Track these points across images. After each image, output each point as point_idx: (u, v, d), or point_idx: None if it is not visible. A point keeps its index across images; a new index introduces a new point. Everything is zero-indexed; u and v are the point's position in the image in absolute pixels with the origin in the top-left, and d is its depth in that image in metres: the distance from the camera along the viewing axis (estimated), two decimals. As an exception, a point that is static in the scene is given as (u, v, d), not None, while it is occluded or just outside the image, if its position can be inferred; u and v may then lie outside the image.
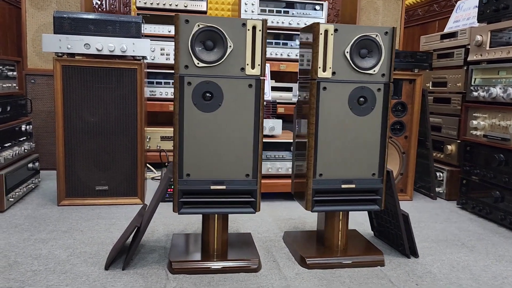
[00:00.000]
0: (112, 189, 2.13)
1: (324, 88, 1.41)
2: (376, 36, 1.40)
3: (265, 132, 2.26)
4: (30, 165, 2.30)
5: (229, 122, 1.38)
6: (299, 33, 2.80)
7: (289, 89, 3.06)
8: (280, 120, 2.31)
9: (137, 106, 2.08)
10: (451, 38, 2.44)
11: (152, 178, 2.72)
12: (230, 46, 1.34)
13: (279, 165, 2.24)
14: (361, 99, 1.44)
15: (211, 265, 1.40)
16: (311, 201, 1.45)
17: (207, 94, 1.35)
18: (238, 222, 1.93)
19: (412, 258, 1.56)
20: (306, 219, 2.01)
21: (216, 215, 1.45)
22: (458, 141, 2.38)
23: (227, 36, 1.33)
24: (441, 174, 2.44)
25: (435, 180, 2.45)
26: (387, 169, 1.51)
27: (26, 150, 2.25)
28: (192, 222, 1.90)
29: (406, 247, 1.56)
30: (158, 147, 2.93)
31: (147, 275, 1.36)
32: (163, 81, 2.91)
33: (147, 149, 2.79)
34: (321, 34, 1.38)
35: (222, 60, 1.34)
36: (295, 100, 3.02)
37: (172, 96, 2.80)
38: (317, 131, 1.43)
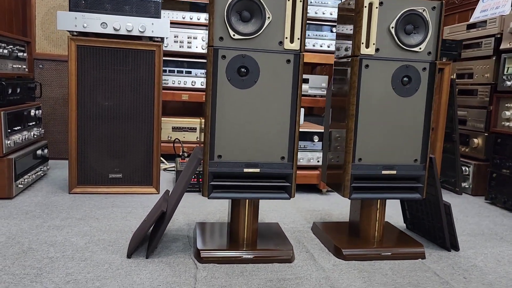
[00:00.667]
0: (126, 177, 2.02)
1: (367, 66, 1.31)
2: (423, 11, 1.30)
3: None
4: (39, 151, 2.19)
5: (265, 100, 1.27)
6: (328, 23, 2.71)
7: (305, 81, 2.97)
8: (302, 109, 2.21)
9: (154, 90, 1.97)
10: (479, 28, 2.35)
11: (164, 169, 2.62)
12: (269, 18, 1.24)
13: (300, 156, 2.14)
14: (405, 78, 1.34)
15: (242, 255, 1.30)
16: (349, 187, 1.35)
17: (242, 69, 1.25)
18: (261, 213, 1.83)
19: (453, 252, 1.47)
20: (332, 211, 1.91)
21: (246, 201, 1.35)
22: (486, 134, 2.29)
23: (265, 6, 1.23)
24: (467, 169, 2.35)
25: (461, 174, 2.36)
26: (430, 155, 1.41)
27: (35, 136, 2.14)
28: (213, 212, 1.80)
29: (447, 239, 1.46)
30: (169, 138, 2.82)
31: (174, 264, 1.26)
32: (176, 69, 2.81)
33: (159, 139, 2.68)
34: (365, 7, 1.28)
35: (260, 32, 1.24)
36: (311, 92, 2.93)
37: (185, 86, 2.70)
38: (358, 112, 1.33)
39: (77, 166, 1.96)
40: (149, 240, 1.38)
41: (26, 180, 1.97)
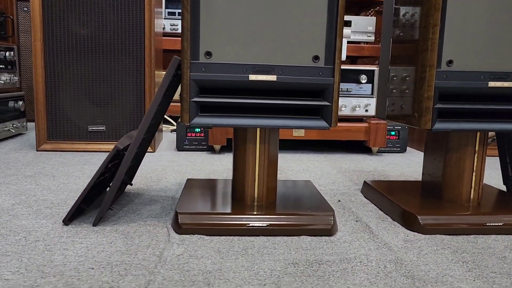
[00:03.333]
0: (111, 131, 1.54)
1: None
2: None
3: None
4: (11, 103, 1.75)
5: (285, -45, 0.74)
6: None
7: (347, 24, 2.39)
8: (345, 41, 1.65)
9: (144, 12, 1.47)
10: None
11: (172, 131, 2.13)
12: None
13: (342, 102, 1.59)
14: None
15: (248, 222, 0.77)
16: (431, 111, 0.79)
17: None
18: (286, 172, 1.29)
19: None
20: (388, 171, 1.35)
21: (257, 134, 0.82)
22: None
23: None
24: None
25: None
26: None
27: (3, 82, 1.70)
28: (220, 171, 1.29)
29: None
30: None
31: (134, 235, 0.75)
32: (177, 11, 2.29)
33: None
34: None
35: None
36: (354, 37, 2.35)
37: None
38: (448, -22, 0.76)
39: (46, 116, 1.50)
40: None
41: (-16, 133, 1.53)
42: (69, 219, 0.79)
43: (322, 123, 0.78)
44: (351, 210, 0.93)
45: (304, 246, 0.72)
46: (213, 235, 0.76)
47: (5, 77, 1.72)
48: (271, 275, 0.62)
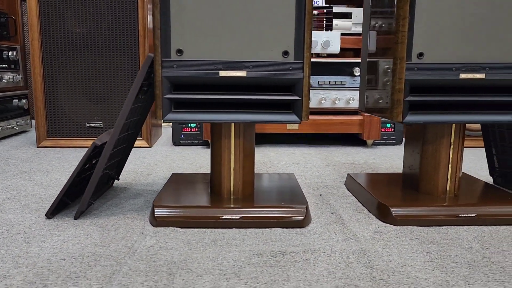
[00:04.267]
0: (109, 127, 1.57)
1: None
2: None
3: (317, 50, 1.61)
4: (15, 101, 1.80)
5: (252, -47, 0.75)
6: None
7: (347, 16, 2.37)
8: (338, 33, 1.65)
9: (137, 10, 1.50)
10: None
11: (173, 126, 2.16)
12: None
13: (336, 95, 1.59)
14: None
15: (222, 214, 0.79)
16: (401, 103, 0.80)
17: None
18: (275, 166, 1.31)
19: None
20: (378, 164, 1.35)
21: (232, 129, 0.84)
22: None
23: None
24: None
25: None
26: (545, 48, 0.83)
27: (5, 81, 1.75)
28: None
29: None
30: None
31: (112, 228, 0.78)
32: None
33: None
34: None
35: None
36: (355, 29, 2.34)
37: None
38: (416, -30, 0.77)
39: (45, 113, 1.54)
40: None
41: (-13, 131, 1.58)
42: (51, 213, 0.83)
43: (293, 117, 0.79)
44: (330, 203, 0.95)
45: (274, 238, 0.74)
46: (186, 227, 0.78)
47: (8, 76, 1.77)
48: (234, 265, 0.64)
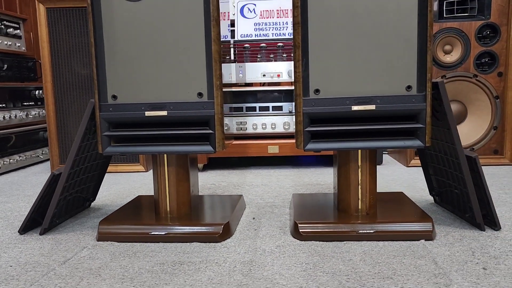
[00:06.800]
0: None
1: None
2: None
3: (267, 79, 1.73)
4: (41, 133, 2.08)
5: (168, 14, 0.91)
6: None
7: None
8: (287, 63, 1.76)
9: (131, 52, 1.71)
10: None
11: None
12: None
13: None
14: (378, -41, 0.87)
15: (150, 231, 0.94)
16: (302, 133, 0.92)
17: (131, -27, 0.91)
18: (242, 187, 1.44)
19: (489, 231, 0.93)
20: (341, 184, 1.44)
21: (165, 159, 1.00)
22: None
23: None
24: (559, 127, 1.67)
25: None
26: (435, 80, 0.91)
27: (30, 116, 2.02)
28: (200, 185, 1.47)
29: (476, 211, 0.93)
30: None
31: (64, 241, 0.96)
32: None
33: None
34: None
35: None
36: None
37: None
38: (306, 18, 0.89)
39: (58, 143, 1.78)
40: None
41: (12, 159, 1.85)
42: (23, 230, 1.02)
43: (208, 148, 0.94)
44: (260, 221, 1.07)
45: (187, 251, 0.88)
46: (123, 241, 0.94)
47: (34, 111, 2.05)
48: (136, 272, 0.78)
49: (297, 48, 0.90)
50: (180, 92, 0.93)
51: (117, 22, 0.92)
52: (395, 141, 0.91)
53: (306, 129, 0.91)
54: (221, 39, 0.93)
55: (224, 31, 1.59)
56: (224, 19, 1.96)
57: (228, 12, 1.88)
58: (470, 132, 1.71)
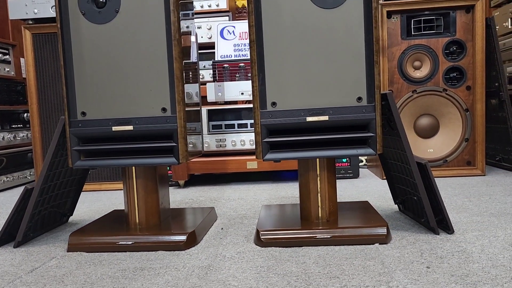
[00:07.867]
0: (95, 172, 1.83)
1: (265, -29, 0.94)
2: None
3: (245, 97, 1.78)
4: (30, 155, 2.13)
5: (132, 35, 0.97)
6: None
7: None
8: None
9: (114, 73, 1.78)
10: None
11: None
12: None
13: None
14: (325, -19, 0.94)
15: (118, 241, 0.98)
16: (261, 144, 0.97)
17: (98, -2, 0.97)
18: (219, 201, 1.48)
19: (443, 234, 0.97)
20: (315, 197, 1.48)
21: (133, 172, 1.04)
22: (550, 87, 1.66)
23: None
24: (529, 138, 1.72)
25: (520, 146, 1.74)
26: (384, 92, 0.97)
27: (18, 138, 2.08)
28: (178, 200, 1.51)
29: (430, 216, 0.97)
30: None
31: (35, 253, 0.99)
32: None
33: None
34: None
35: None
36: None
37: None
38: (261, 36, 0.95)
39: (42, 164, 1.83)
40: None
41: (3, 179, 1.90)
42: (-2, 243, 1.06)
43: (172, 160, 0.98)
44: (228, 230, 1.10)
45: (151, 258, 0.92)
46: (91, 251, 0.98)
47: (22, 133, 2.11)
48: (98, 278, 0.82)
49: (253, 64, 0.95)
50: (145, 107, 0.98)
51: (85, 44, 0.98)
52: (349, 149, 0.96)
53: (264, 140, 0.96)
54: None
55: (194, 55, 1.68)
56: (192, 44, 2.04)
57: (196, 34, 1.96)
58: (443, 144, 1.75)
